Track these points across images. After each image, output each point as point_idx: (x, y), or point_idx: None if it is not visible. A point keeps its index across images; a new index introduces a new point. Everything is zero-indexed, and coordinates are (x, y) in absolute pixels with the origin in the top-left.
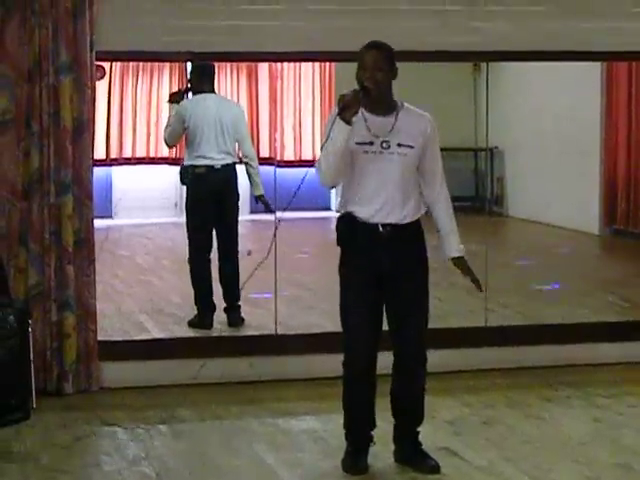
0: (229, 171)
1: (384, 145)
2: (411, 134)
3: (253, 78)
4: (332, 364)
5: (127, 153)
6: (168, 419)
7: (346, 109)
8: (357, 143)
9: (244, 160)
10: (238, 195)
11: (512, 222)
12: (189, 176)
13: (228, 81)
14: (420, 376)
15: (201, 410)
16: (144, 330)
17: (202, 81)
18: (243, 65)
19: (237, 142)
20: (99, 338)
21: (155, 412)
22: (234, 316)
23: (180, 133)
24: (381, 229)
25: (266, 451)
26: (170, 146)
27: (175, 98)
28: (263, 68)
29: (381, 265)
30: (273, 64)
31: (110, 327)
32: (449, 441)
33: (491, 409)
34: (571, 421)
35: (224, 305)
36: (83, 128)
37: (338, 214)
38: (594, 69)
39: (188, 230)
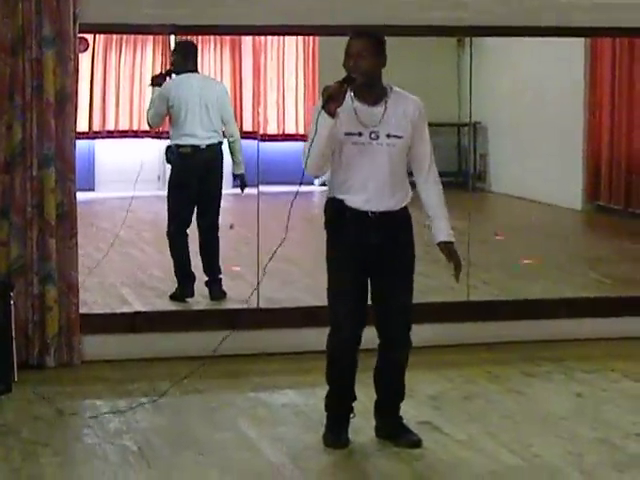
0: (214, 150)
1: (372, 136)
2: (400, 124)
3: (237, 52)
4: (314, 338)
5: (110, 126)
6: (150, 393)
7: (330, 102)
8: (346, 133)
9: (228, 139)
10: (222, 174)
11: (495, 198)
12: (174, 155)
13: (212, 55)
14: (404, 353)
15: (183, 384)
16: (126, 303)
17: (185, 60)
18: (227, 39)
19: (222, 121)
20: (81, 311)
21: (137, 386)
22: (215, 289)
23: (164, 114)
24: (370, 215)
25: (248, 425)
26: (152, 127)
27: (157, 81)
28: (247, 42)
29: (369, 248)
30: (257, 38)
31: (92, 300)
32: (430, 415)
33: (472, 384)
34: (552, 396)
35: (205, 279)
36: (66, 101)
37: (327, 197)
38: (578, 44)
39: (169, 205)
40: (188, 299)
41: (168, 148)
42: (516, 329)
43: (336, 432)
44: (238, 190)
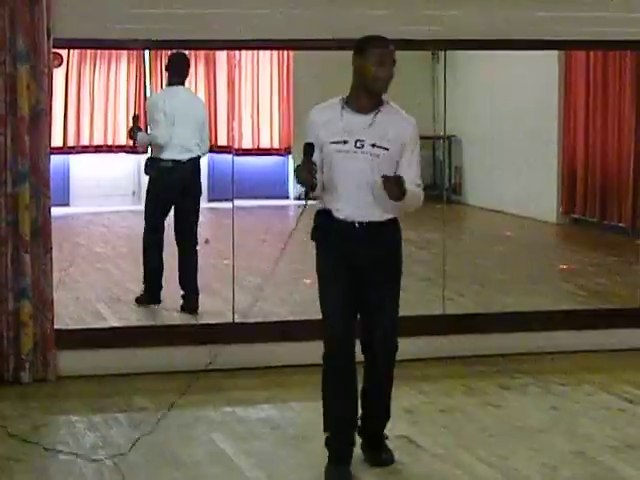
0: (194, 164)
1: (358, 144)
2: (387, 136)
3: (211, 66)
4: (290, 352)
5: (85, 141)
6: (126, 408)
7: (305, 182)
8: (331, 142)
9: (204, 154)
10: (201, 189)
11: (470, 211)
12: (154, 168)
13: None
14: (390, 369)
15: (159, 399)
16: (101, 318)
17: (175, 73)
18: (201, 54)
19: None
20: (56, 327)
21: (112, 401)
22: (189, 304)
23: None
24: (357, 226)
25: (224, 440)
26: (163, 144)
27: (134, 133)
28: (221, 57)
29: (357, 259)
30: (231, 53)
31: (67, 316)
32: (406, 429)
33: (448, 397)
34: (528, 409)
35: (182, 293)
36: (40, 116)
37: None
38: (552, 57)
39: (146, 216)
40: (154, 305)
41: (149, 160)
42: (492, 342)
43: (339, 469)
44: (213, 204)
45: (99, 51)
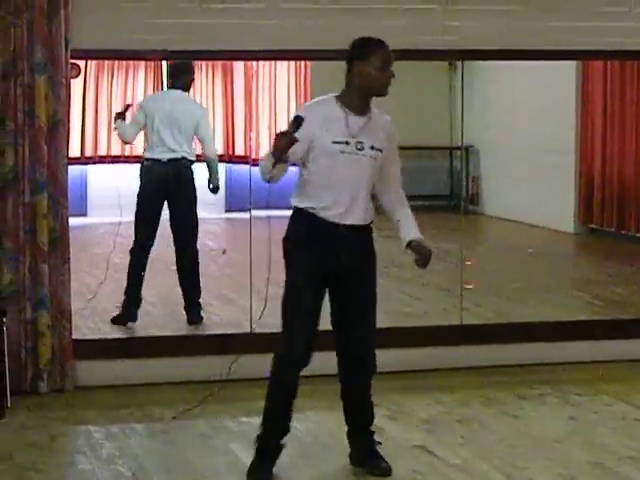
0: (178, 165)
1: (358, 146)
2: (379, 137)
3: (228, 77)
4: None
5: (102, 151)
6: (143, 418)
7: (278, 150)
8: (333, 142)
9: (206, 160)
10: (193, 194)
11: (487, 221)
12: (140, 171)
13: (203, 80)
14: (370, 376)
15: (176, 409)
16: (119, 329)
17: (174, 78)
18: (219, 64)
19: (200, 141)
20: (74, 337)
21: (130, 411)
22: (193, 314)
23: (140, 125)
24: (341, 229)
25: (242, 450)
26: (126, 141)
27: (120, 114)
28: (238, 67)
29: (336, 264)
30: (248, 63)
31: (85, 326)
32: (424, 439)
33: (466, 407)
34: (546, 419)
35: (184, 304)
36: (58, 126)
37: (294, 208)
38: (570, 67)
39: (134, 222)
40: (130, 324)
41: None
42: (509, 352)
43: (264, 467)
44: (230, 215)
45: (117, 62)
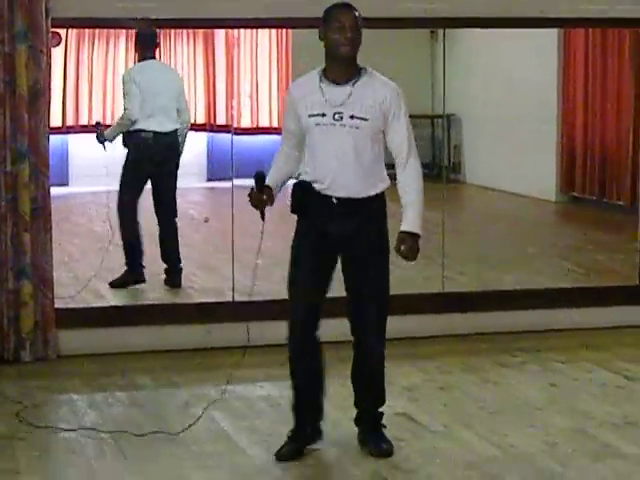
0: (173, 137)
1: (336, 117)
2: (366, 105)
3: (210, 45)
4: None
5: (84, 121)
6: (125, 386)
7: (256, 209)
8: (310, 115)
9: (182, 125)
10: (178, 162)
11: (469, 189)
12: (134, 140)
13: (185, 49)
14: (379, 356)
15: (158, 377)
16: (101, 297)
17: (146, 47)
18: (200, 32)
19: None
20: (56, 306)
21: (112, 379)
22: (173, 277)
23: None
24: (334, 201)
25: (223, 418)
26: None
27: (100, 136)
28: (220, 35)
29: (332, 237)
30: (230, 31)
31: (67, 295)
32: (406, 407)
33: (448, 375)
34: (527, 386)
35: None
36: (39, 96)
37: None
38: (552, 35)
39: (121, 186)
40: (139, 285)
41: (127, 133)
42: (491, 320)
43: (290, 447)
44: (212, 184)
45: (97, 30)
